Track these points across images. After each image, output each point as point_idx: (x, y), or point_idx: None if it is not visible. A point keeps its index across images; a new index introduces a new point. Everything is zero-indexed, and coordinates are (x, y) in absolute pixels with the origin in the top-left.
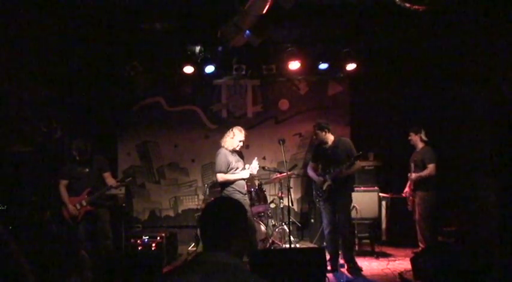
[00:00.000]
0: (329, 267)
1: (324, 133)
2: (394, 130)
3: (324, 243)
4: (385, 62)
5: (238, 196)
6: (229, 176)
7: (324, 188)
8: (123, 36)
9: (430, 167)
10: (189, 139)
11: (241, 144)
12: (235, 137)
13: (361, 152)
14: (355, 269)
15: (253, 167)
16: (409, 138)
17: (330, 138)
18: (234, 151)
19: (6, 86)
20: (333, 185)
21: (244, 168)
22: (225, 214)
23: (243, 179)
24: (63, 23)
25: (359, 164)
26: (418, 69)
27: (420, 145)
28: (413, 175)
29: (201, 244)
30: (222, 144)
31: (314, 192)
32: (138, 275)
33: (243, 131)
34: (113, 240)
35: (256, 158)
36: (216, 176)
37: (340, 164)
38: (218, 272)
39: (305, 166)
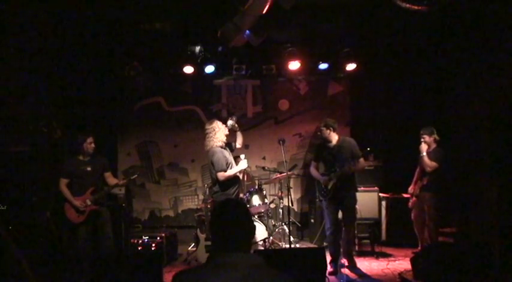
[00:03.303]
0: (331, 269)
1: (328, 131)
2: (394, 130)
3: (325, 243)
4: (385, 62)
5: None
6: (230, 172)
7: (329, 186)
8: (123, 36)
9: (432, 165)
10: (189, 139)
11: (226, 131)
12: (221, 128)
13: (368, 149)
14: (353, 266)
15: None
16: (423, 139)
17: (334, 137)
18: (224, 146)
19: (6, 86)
20: (338, 183)
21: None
22: (244, 216)
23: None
24: (64, 23)
25: (363, 162)
26: (418, 69)
27: (433, 146)
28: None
29: (202, 244)
30: (213, 144)
31: (318, 192)
32: (138, 275)
33: (215, 119)
34: (113, 240)
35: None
36: (216, 176)
37: (346, 163)
38: (255, 275)
39: (305, 166)
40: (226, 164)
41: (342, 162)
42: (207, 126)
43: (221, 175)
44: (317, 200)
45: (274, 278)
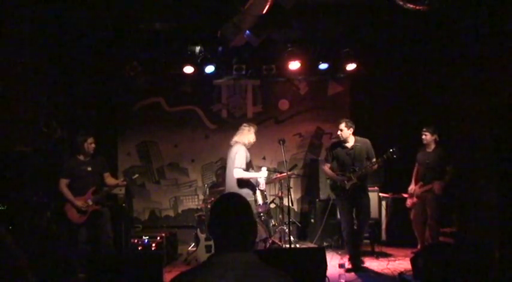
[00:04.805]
0: (350, 266)
1: (349, 132)
2: (394, 130)
3: (325, 243)
4: (385, 62)
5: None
6: (247, 174)
7: (348, 186)
8: (123, 36)
9: (451, 171)
10: (189, 139)
11: (252, 140)
12: (253, 131)
13: (391, 150)
14: (359, 265)
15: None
16: (424, 137)
17: (352, 138)
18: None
19: (6, 86)
20: (358, 183)
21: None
22: (245, 213)
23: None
24: (64, 22)
25: (375, 165)
26: (417, 69)
27: (433, 146)
28: (437, 185)
29: (202, 244)
30: (240, 141)
31: (331, 191)
32: (138, 275)
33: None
34: (113, 240)
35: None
36: (233, 170)
37: (363, 163)
38: (251, 274)
39: (305, 166)
40: (246, 165)
41: (360, 163)
42: (246, 124)
43: (238, 172)
44: (317, 199)
45: (270, 276)
